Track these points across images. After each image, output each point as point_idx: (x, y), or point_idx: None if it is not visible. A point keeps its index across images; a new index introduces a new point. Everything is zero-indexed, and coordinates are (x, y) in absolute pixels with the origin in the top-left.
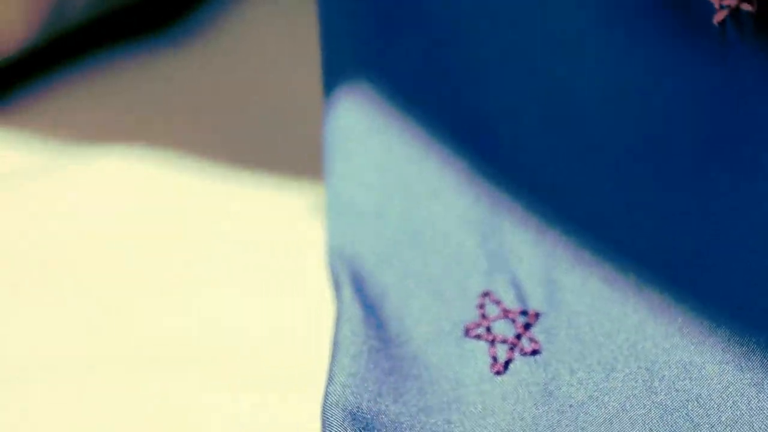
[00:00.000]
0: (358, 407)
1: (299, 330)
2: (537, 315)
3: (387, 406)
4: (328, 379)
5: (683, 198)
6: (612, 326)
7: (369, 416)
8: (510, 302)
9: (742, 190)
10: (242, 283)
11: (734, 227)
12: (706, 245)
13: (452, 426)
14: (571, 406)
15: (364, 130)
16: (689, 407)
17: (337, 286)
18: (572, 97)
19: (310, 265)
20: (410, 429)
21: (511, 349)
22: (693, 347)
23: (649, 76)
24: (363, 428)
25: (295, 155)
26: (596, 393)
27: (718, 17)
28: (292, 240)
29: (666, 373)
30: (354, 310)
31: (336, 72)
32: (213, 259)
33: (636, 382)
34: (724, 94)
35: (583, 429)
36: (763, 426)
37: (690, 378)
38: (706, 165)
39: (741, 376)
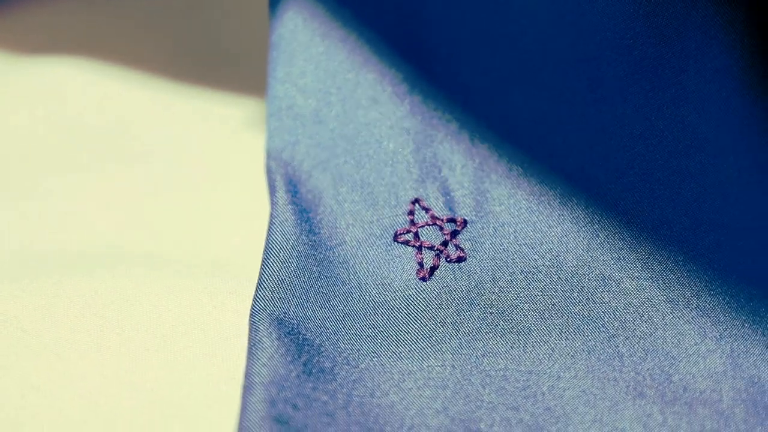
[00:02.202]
0: (285, 313)
1: (237, 233)
2: (465, 223)
3: (314, 311)
4: (258, 284)
5: (611, 117)
6: (536, 237)
7: (295, 321)
8: (439, 210)
9: (666, 111)
10: (183, 189)
11: (657, 148)
12: (630, 164)
13: (377, 330)
14: (491, 313)
15: (308, 37)
16: (606, 319)
17: (272, 189)
18: (510, 14)
19: (251, 171)
20: (335, 334)
21: (437, 255)
22: (613, 262)
23: None
24: (288, 333)
25: (241, 66)
26: (517, 302)
27: None
28: (234, 148)
29: (585, 284)
30: (286, 214)
31: None
32: (156, 166)
33: (555, 292)
34: (653, 18)
35: (503, 336)
36: (675, 340)
37: (608, 291)
38: (635, 86)
39: (658, 292)
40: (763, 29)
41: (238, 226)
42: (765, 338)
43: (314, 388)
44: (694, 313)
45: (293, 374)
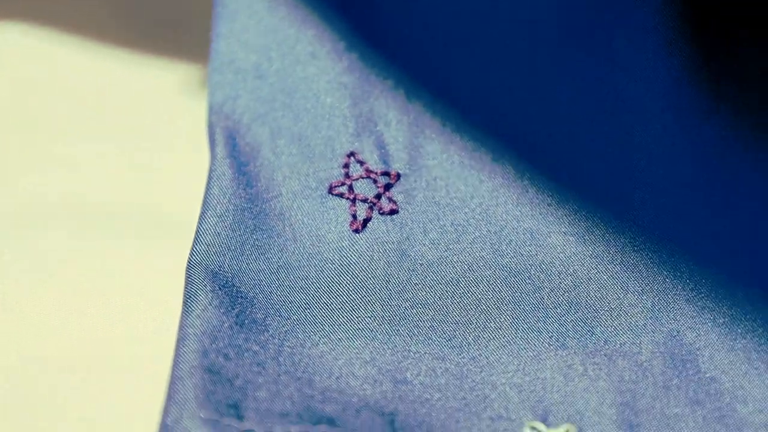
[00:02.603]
0: (220, 266)
1: (179, 185)
2: (398, 176)
3: (248, 264)
4: (195, 238)
5: (545, 78)
6: (467, 192)
7: (230, 274)
8: (374, 163)
9: (598, 73)
10: (125, 146)
11: (588, 108)
12: (561, 123)
13: (309, 282)
14: (422, 265)
15: None
16: (532, 271)
17: (212, 143)
18: None
19: (193, 126)
20: (269, 286)
21: (371, 208)
22: (541, 217)
23: None
24: (223, 286)
25: (184, 26)
26: (446, 254)
27: None
28: (176, 105)
29: (513, 238)
30: (224, 168)
31: None
32: (100, 123)
33: (484, 245)
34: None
35: (431, 287)
36: (598, 294)
37: (536, 245)
38: (569, 48)
39: (583, 247)
40: None
41: (181, 180)
42: (685, 293)
43: (246, 339)
44: (617, 268)
45: (226, 325)
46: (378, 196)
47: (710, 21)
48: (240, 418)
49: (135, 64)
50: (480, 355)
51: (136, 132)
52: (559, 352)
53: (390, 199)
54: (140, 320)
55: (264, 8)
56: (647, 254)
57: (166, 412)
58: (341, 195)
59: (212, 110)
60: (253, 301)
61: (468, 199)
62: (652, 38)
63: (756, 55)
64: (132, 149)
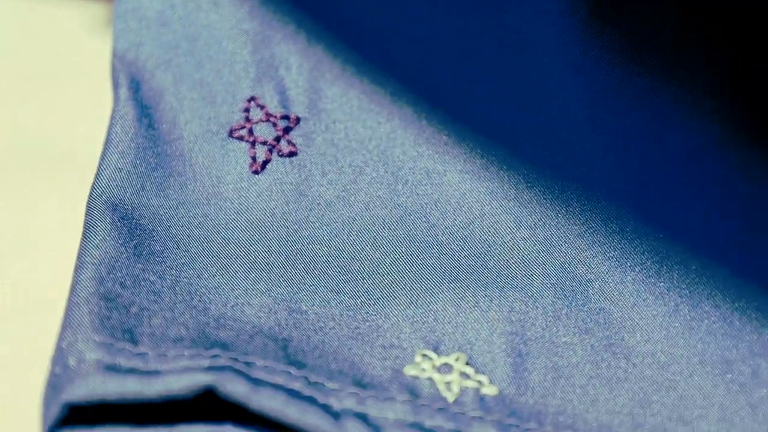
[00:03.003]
0: (121, 200)
1: (83, 123)
2: (297, 120)
3: (149, 199)
4: (97, 173)
5: (440, 15)
6: (365, 133)
7: (130, 208)
8: (274, 107)
9: (493, 10)
10: (30, 86)
11: (483, 45)
12: (458, 60)
13: (208, 219)
14: (319, 204)
15: None
16: (428, 210)
17: (115, 86)
18: None
19: (97, 69)
20: (168, 220)
21: (270, 150)
22: (437, 156)
23: None
24: (122, 218)
25: None
26: (344, 193)
27: None
28: (80, 49)
29: (410, 178)
30: (127, 109)
31: None
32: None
33: (381, 184)
34: None
35: (328, 225)
36: (492, 229)
37: (431, 184)
38: None
39: (478, 184)
40: None
41: (85, 118)
42: (576, 227)
43: (143, 269)
44: (511, 204)
45: (124, 255)
46: (277, 139)
47: None
48: (134, 342)
49: (39, 3)
50: (374, 288)
51: (39, 70)
52: (452, 285)
53: (289, 142)
54: (41, 254)
55: None
56: (540, 190)
57: (61, 336)
58: (241, 138)
59: (116, 56)
60: (152, 234)
61: (366, 141)
62: None
63: None
64: (34, 87)
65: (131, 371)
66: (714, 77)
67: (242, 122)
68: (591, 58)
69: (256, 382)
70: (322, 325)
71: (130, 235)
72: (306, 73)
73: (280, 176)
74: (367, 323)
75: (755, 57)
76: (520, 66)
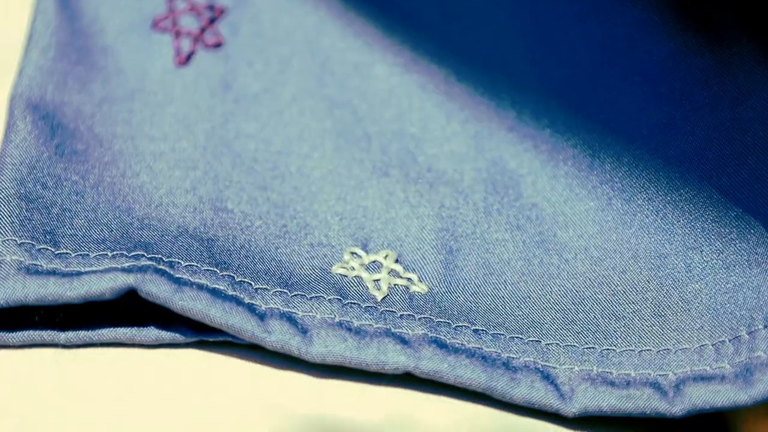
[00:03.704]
0: (42, 98)
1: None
2: (223, 10)
3: (71, 96)
4: (18, 71)
5: None
6: (292, 24)
7: (51, 107)
8: None
9: None
10: None
11: None
12: None
13: (133, 114)
14: (246, 96)
15: None
16: (355, 102)
17: None
18: None
19: None
20: (91, 117)
21: (195, 42)
22: (366, 48)
23: None
24: (43, 117)
25: None
26: (270, 85)
27: None
28: None
29: (337, 69)
30: (48, 3)
31: None
32: None
33: (309, 76)
34: None
35: (255, 118)
36: (422, 123)
37: (360, 76)
38: None
39: (408, 77)
40: None
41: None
42: (508, 121)
43: (65, 169)
44: (442, 97)
45: (45, 155)
46: (202, 30)
47: None
48: (56, 244)
49: None
50: (302, 184)
51: None
52: (382, 180)
53: (214, 33)
54: None
55: None
56: (470, 83)
57: None
58: (165, 29)
59: None
60: (74, 133)
61: (293, 32)
62: None
63: None
64: None
65: (52, 273)
66: None
67: (166, 13)
68: None
69: (180, 282)
70: (249, 224)
71: (52, 134)
72: None
73: (205, 68)
74: (295, 221)
75: None
76: None
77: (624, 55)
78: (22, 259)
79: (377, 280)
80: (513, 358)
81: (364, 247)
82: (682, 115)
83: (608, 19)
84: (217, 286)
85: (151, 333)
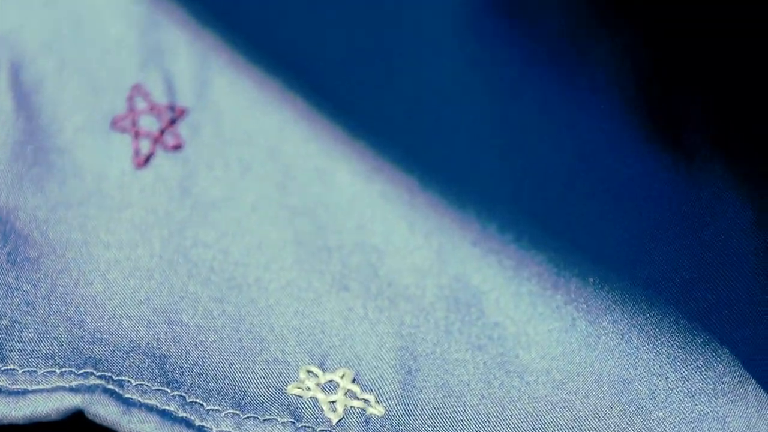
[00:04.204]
0: None
1: None
2: (183, 111)
3: (26, 199)
4: None
5: (336, 5)
6: (255, 127)
7: (6, 210)
8: (159, 96)
9: (392, 10)
10: None
11: (371, 39)
12: (347, 56)
13: (88, 219)
14: (204, 203)
15: None
16: (317, 211)
17: None
18: None
19: None
20: (45, 222)
21: (154, 143)
22: (328, 154)
23: None
24: None
25: None
26: (230, 192)
27: None
28: None
29: (300, 176)
30: (5, 100)
31: None
32: None
33: (270, 183)
34: None
35: (213, 226)
36: (384, 235)
37: (322, 183)
38: None
39: (370, 186)
40: None
41: None
42: (472, 235)
43: (17, 278)
44: (405, 207)
45: None
46: (162, 131)
47: None
48: (3, 359)
49: None
50: (259, 297)
51: None
52: (341, 294)
53: (174, 135)
54: None
55: None
56: (434, 194)
57: None
58: (124, 129)
59: None
60: (27, 239)
61: (255, 135)
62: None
63: None
64: None
65: None
66: (614, 74)
67: (126, 112)
68: (488, 54)
69: (129, 403)
70: (203, 338)
71: (4, 241)
72: (195, 61)
73: (164, 171)
74: (251, 335)
75: (658, 54)
76: (416, 61)
77: (594, 170)
78: None
79: (333, 402)
80: None
81: (321, 365)
82: (650, 236)
83: (581, 132)
84: (167, 408)
85: None
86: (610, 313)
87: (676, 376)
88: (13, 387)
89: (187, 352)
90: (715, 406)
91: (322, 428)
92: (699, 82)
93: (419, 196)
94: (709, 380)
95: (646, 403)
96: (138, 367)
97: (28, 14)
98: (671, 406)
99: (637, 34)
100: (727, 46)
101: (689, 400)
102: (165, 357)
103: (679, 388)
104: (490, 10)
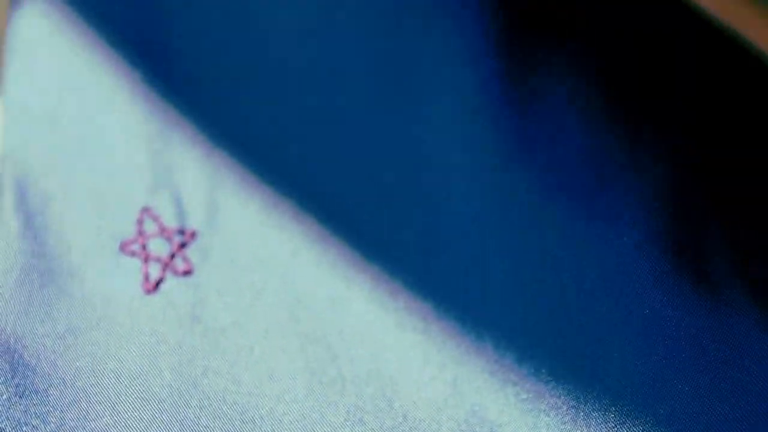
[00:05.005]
0: (3, 330)
1: None
2: (194, 234)
3: (33, 327)
4: None
5: (346, 133)
6: (266, 252)
7: (13, 339)
8: (169, 220)
9: (403, 131)
10: None
11: (391, 166)
12: (365, 181)
13: (97, 347)
14: (215, 330)
15: (47, 35)
16: (330, 339)
17: (0, 192)
18: (255, 22)
19: None
20: (54, 352)
21: (164, 268)
22: (342, 280)
23: (327, 13)
24: (4, 352)
25: None
26: (241, 318)
27: None
28: None
29: (312, 304)
30: (12, 221)
31: None
32: None
33: (282, 310)
34: (394, 37)
35: (224, 354)
36: (399, 365)
37: (335, 311)
38: (374, 101)
39: (385, 315)
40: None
41: None
42: (489, 365)
43: (25, 412)
44: (420, 337)
45: (4, 397)
46: (172, 256)
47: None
48: None
49: None
50: (273, 430)
51: None
52: (356, 428)
53: (184, 259)
54: None
55: (60, 51)
56: (450, 322)
57: None
58: (134, 254)
59: (5, 155)
60: (35, 369)
61: (266, 260)
62: (459, 100)
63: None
64: None
65: None
66: (636, 207)
67: (135, 236)
68: (507, 182)
69: None
70: None
71: (12, 372)
72: (204, 183)
73: (174, 297)
74: None
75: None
76: (433, 188)
77: (616, 304)
78: None
79: None
80: None
81: None
82: (673, 372)
83: (602, 265)
84: None
85: None
86: None
87: None
88: None
89: None
90: None
91: None
92: (725, 217)
93: (434, 324)
94: None
95: None
96: None
97: (34, 133)
98: None
99: (660, 166)
100: (754, 182)
101: None
102: None
103: None
104: (509, 138)
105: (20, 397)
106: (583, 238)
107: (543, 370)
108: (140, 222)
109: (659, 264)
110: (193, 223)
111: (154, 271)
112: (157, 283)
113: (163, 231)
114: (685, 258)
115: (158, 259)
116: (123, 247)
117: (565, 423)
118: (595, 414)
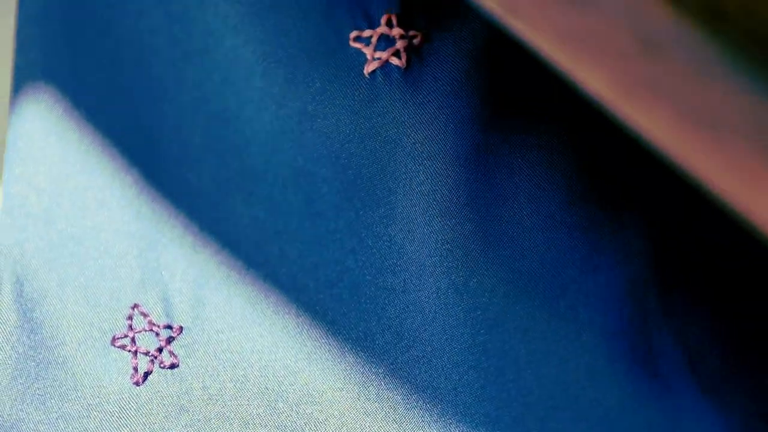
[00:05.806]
0: (0, 416)
1: None
2: (181, 329)
3: (29, 413)
4: None
5: (325, 231)
6: (247, 346)
7: (9, 424)
8: (157, 316)
9: (376, 229)
10: None
11: (366, 263)
12: (341, 277)
13: None
14: (199, 420)
15: (44, 136)
16: (307, 430)
17: None
18: (237, 126)
19: None
20: None
21: (152, 361)
22: (318, 372)
23: (304, 117)
24: None
25: None
26: (224, 410)
27: (369, 68)
28: None
29: (290, 395)
30: (9, 314)
31: (25, 77)
32: None
33: (261, 401)
34: (368, 141)
35: None
36: None
37: (312, 402)
38: (348, 203)
39: (357, 404)
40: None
41: None
42: None
43: None
44: (391, 426)
45: None
46: (159, 350)
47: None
48: None
49: None
50: None
51: None
52: None
53: (171, 353)
54: None
55: (56, 153)
56: (419, 412)
57: None
58: (123, 347)
59: (1, 252)
60: None
61: (248, 354)
62: (428, 200)
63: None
64: None
65: None
66: (594, 309)
67: (125, 330)
68: (474, 281)
69: None
70: None
71: None
72: (191, 279)
73: (161, 389)
74: None
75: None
76: (402, 284)
77: (575, 400)
78: None
79: None
80: None
81: None
82: None
83: (562, 363)
84: None
85: None
86: None
87: None
88: None
89: None
90: None
91: None
92: (675, 319)
93: (404, 414)
94: None
95: None
96: None
97: (31, 230)
98: None
99: (617, 270)
100: (703, 284)
101: None
102: None
103: None
104: (476, 237)
105: None
106: (543, 337)
107: None
108: (130, 318)
109: (616, 363)
110: (180, 318)
111: (143, 364)
112: (146, 376)
113: (151, 326)
114: (640, 357)
115: (147, 353)
116: (113, 341)
117: None
118: None
